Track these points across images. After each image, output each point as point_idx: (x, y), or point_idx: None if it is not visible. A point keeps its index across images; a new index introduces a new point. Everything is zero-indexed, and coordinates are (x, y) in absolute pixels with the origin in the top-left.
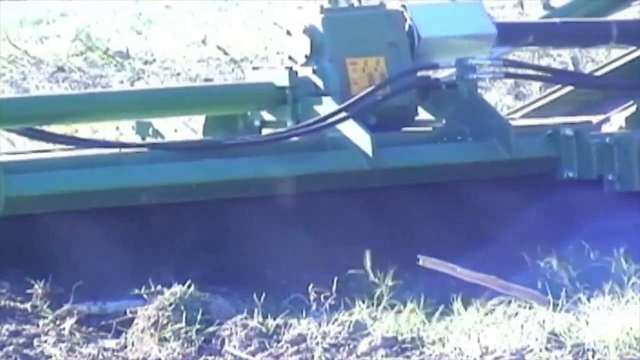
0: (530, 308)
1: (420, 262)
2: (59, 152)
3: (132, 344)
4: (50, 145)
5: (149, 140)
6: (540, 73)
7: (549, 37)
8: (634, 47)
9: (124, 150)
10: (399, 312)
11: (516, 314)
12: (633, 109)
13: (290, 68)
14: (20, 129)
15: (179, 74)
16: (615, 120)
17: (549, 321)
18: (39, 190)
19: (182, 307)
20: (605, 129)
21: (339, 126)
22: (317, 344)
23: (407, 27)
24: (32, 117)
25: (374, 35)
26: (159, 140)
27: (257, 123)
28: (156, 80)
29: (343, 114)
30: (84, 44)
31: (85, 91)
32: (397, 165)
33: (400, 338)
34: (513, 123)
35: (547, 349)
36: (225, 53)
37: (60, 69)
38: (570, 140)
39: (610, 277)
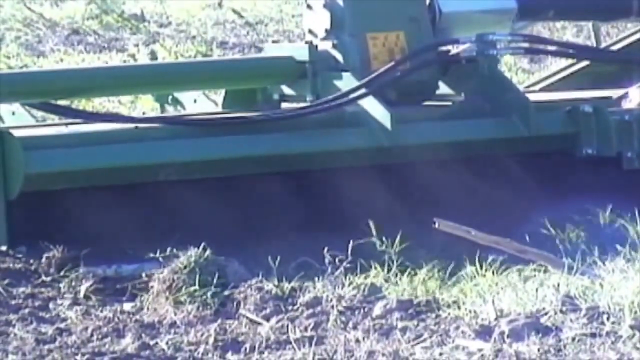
0: (545, 271)
1: (436, 226)
2: (77, 126)
3: (148, 307)
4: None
5: (168, 109)
6: (560, 49)
7: (569, 11)
8: None
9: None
10: (415, 275)
11: (531, 277)
12: None
13: (310, 42)
14: (38, 103)
15: (194, 37)
16: (634, 96)
17: (563, 284)
18: (58, 167)
19: (198, 270)
20: (625, 105)
21: (360, 102)
22: (332, 307)
23: (428, 2)
24: (50, 91)
25: (394, 10)
26: (178, 111)
27: (276, 97)
28: (171, 43)
29: (363, 90)
30: (99, 7)
31: (104, 65)
32: (416, 142)
33: (415, 301)
34: (532, 98)
35: (562, 311)
36: (241, 16)
37: (75, 32)
38: (589, 117)
39: (625, 241)
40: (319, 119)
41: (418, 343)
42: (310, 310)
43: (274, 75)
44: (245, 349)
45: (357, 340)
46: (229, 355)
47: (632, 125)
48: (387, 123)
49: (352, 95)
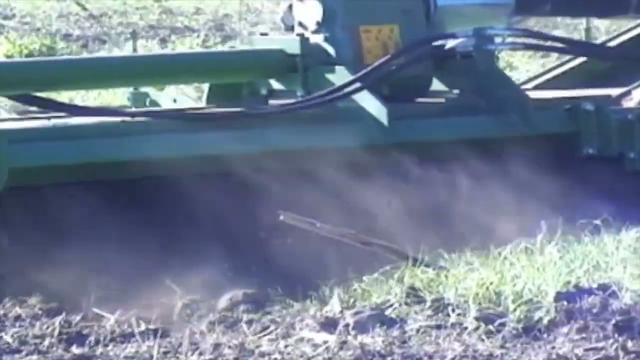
0: (390, 263)
1: (281, 218)
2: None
3: None
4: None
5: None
6: (559, 44)
7: (566, 6)
8: None
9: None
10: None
11: (376, 269)
12: None
13: (302, 35)
14: (17, 95)
15: (38, 29)
16: (637, 95)
17: (408, 276)
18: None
19: None
20: (626, 103)
21: (354, 97)
22: (177, 300)
23: None
24: (29, 83)
25: (388, 2)
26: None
27: (264, 92)
28: (15, 35)
29: (358, 84)
30: None
31: (87, 56)
32: (413, 139)
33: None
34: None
35: (406, 304)
36: (85, 9)
37: None
38: (590, 115)
39: (472, 232)
40: (312, 115)
41: (264, 335)
42: (156, 304)
43: (263, 68)
44: (90, 342)
45: (202, 333)
46: (73, 348)
47: (635, 125)
48: (384, 119)
49: (346, 90)
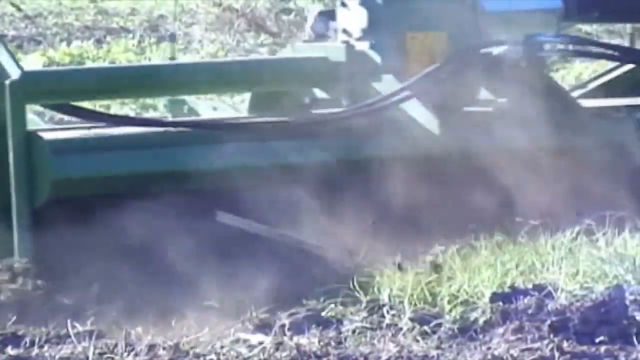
0: (326, 264)
1: (218, 218)
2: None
3: None
4: None
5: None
6: (613, 52)
7: (616, 12)
8: None
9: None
10: None
11: (312, 270)
12: None
13: (347, 42)
14: (58, 105)
15: None
16: None
17: (345, 277)
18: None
19: None
20: None
21: (403, 105)
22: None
23: (471, 0)
24: (72, 92)
25: (435, 8)
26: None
27: (307, 101)
28: None
29: (406, 93)
30: None
31: (126, 64)
32: (461, 149)
33: None
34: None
35: (342, 304)
36: (19, 9)
37: None
38: None
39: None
40: (357, 124)
41: (199, 336)
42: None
43: (307, 77)
44: (26, 343)
45: (138, 334)
46: (8, 349)
47: None
48: (435, 128)
49: (394, 99)
